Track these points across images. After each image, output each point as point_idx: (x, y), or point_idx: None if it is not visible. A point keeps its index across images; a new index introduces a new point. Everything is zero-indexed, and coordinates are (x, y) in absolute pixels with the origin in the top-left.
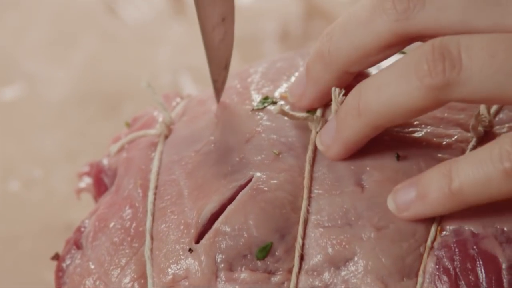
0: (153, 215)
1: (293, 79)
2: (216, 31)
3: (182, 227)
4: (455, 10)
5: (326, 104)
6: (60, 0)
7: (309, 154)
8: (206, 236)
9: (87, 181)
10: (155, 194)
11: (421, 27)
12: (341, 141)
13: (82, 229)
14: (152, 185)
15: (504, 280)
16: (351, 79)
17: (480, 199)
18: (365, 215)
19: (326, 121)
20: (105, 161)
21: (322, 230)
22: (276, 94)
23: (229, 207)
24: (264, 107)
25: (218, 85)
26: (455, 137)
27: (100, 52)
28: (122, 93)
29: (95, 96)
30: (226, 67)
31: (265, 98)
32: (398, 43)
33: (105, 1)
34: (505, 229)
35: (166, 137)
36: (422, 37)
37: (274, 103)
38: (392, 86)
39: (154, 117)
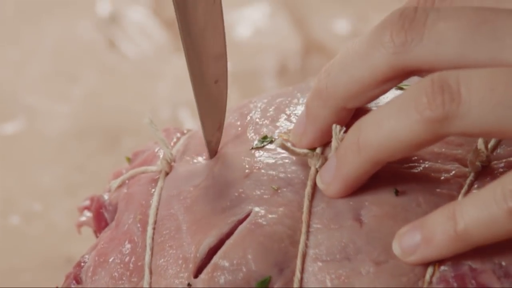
0: (152, 249)
1: (292, 116)
2: (209, 94)
3: (180, 262)
4: (453, 44)
5: (326, 142)
6: (61, 35)
7: (308, 189)
8: (205, 270)
9: (87, 215)
10: (154, 229)
11: (419, 61)
12: (341, 177)
13: (82, 263)
14: (151, 220)
15: None
16: (350, 117)
17: (485, 240)
18: (364, 250)
19: (325, 158)
20: (106, 196)
21: (320, 264)
22: (276, 133)
23: (228, 242)
24: (263, 146)
25: (212, 146)
26: (453, 172)
27: (100, 86)
28: (122, 127)
29: (95, 130)
30: (219, 128)
31: (264, 137)
32: (396, 77)
33: (105, 35)
34: (503, 263)
35: (167, 173)
36: (419, 71)
37: (273, 142)
38: (391, 121)
39: (155, 153)
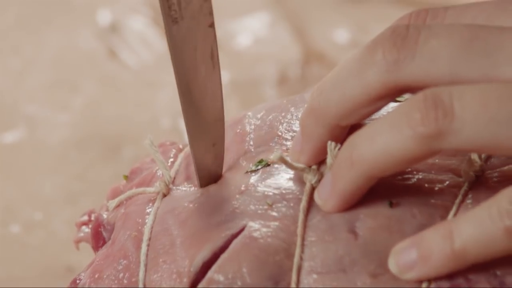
0: (146, 265)
1: (285, 134)
2: (207, 156)
3: (174, 276)
4: (445, 62)
5: (323, 159)
6: (61, 44)
7: (303, 203)
8: (200, 285)
9: (85, 231)
10: (148, 245)
11: (412, 78)
12: (337, 193)
13: (78, 281)
14: (145, 237)
15: None
16: (345, 134)
17: (482, 258)
18: (360, 262)
19: (321, 174)
20: (104, 215)
21: (316, 276)
22: (271, 156)
23: (223, 256)
24: (258, 169)
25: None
26: (447, 182)
27: (100, 95)
28: (122, 136)
29: (96, 139)
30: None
31: (260, 161)
32: (388, 95)
33: (106, 45)
34: (498, 273)
35: (165, 195)
36: (412, 89)
37: (267, 165)
38: (384, 136)
39: (153, 173)
